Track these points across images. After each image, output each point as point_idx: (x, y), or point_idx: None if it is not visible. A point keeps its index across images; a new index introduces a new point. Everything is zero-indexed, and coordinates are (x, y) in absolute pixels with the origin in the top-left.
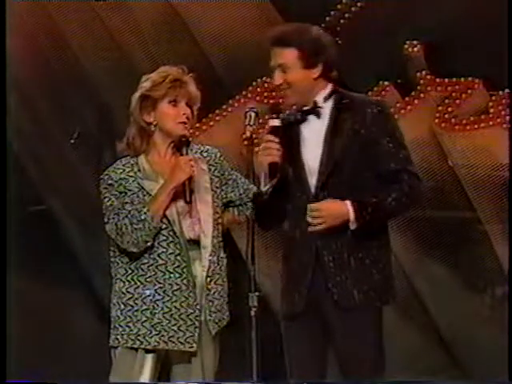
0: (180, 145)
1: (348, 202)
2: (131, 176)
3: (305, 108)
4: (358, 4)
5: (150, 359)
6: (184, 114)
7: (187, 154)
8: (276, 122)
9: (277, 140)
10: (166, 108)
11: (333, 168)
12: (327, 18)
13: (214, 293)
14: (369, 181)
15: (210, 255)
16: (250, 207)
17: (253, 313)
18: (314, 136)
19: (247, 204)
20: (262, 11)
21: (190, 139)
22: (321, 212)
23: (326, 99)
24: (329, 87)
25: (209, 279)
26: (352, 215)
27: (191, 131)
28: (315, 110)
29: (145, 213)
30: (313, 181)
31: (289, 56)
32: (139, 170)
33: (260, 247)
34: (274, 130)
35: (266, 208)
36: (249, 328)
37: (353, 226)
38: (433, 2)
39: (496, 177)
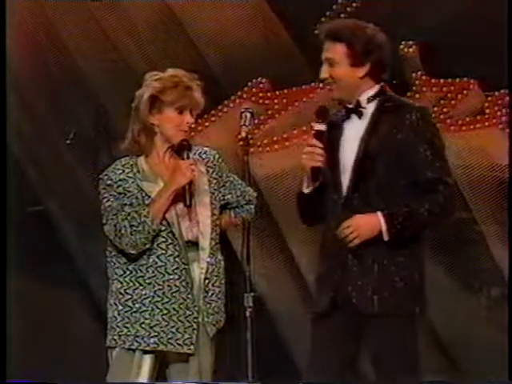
0: (181, 149)
1: (379, 214)
2: (130, 177)
3: (348, 106)
4: (354, 4)
5: (147, 360)
6: (188, 122)
7: (188, 158)
8: (321, 127)
9: (321, 145)
10: (172, 114)
11: (366, 169)
12: (322, 19)
13: (212, 295)
14: (403, 187)
15: (208, 257)
16: (246, 209)
17: (248, 313)
18: (352, 136)
19: (244, 206)
20: (258, 11)
21: (191, 143)
22: (353, 228)
23: (369, 100)
24: (375, 88)
25: (207, 281)
26: (384, 226)
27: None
28: (357, 110)
29: (145, 215)
30: (346, 181)
31: (337, 51)
32: (138, 172)
33: (255, 247)
34: (318, 135)
35: (309, 208)
36: (244, 328)
37: (386, 237)
38: (428, 2)
39: (492, 177)
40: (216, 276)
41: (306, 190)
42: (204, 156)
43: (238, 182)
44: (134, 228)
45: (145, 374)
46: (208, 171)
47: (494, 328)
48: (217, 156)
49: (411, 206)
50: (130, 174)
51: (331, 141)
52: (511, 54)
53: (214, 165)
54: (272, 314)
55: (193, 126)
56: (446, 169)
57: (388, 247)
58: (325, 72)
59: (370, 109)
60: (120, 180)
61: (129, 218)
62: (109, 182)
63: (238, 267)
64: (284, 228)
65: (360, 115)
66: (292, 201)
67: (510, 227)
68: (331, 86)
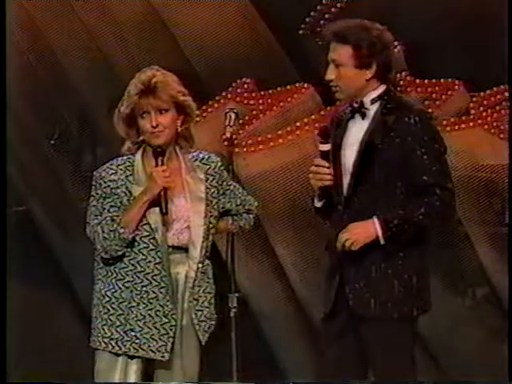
0: (154, 155)
1: (375, 219)
2: (122, 179)
3: (353, 106)
4: (338, 5)
5: (133, 362)
6: (153, 126)
7: (162, 164)
8: (326, 147)
9: (327, 165)
10: (139, 121)
11: (364, 172)
12: (307, 19)
13: (204, 302)
14: (400, 191)
15: (198, 265)
16: (245, 218)
17: (232, 313)
18: (354, 137)
19: (242, 215)
20: (243, 12)
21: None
22: (349, 235)
23: (373, 101)
24: (380, 89)
25: (197, 289)
26: (380, 232)
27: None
28: (361, 111)
29: (117, 223)
30: (346, 183)
31: (343, 53)
32: (131, 174)
33: (240, 248)
34: (324, 155)
35: (327, 214)
36: (228, 329)
37: (382, 242)
38: (413, 2)
39: (477, 178)
40: (206, 282)
41: (317, 205)
42: (205, 162)
43: (238, 191)
44: (105, 235)
45: (130, 375)
46: (207, 179)
47: (478, 328)
48: (219, 163)
49: (407, 210)
50: (122, 176)
51: (335, 140)
52: (511, 53)
53: (215, 172)
54: (256, 314)
55: (163, 126)
56: (444, 173)
57: (384, 250)
58: (331, 73)
59: (372, 110)
60: (110, 180)
61: (103, 223)
62: (99, 180)
63: (222, 267)
64: (268, 228)
65: (363, 116)
66: (276, 201)
67: (510, 227)
68: (334, 88)
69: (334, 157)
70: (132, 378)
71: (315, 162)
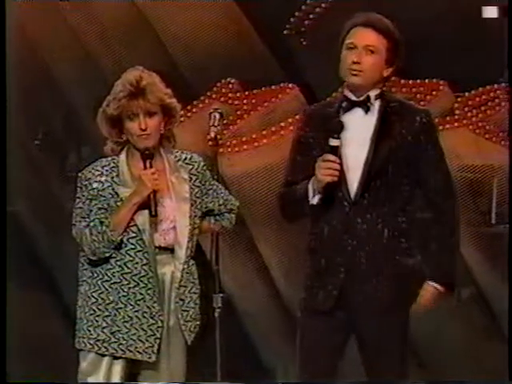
0: (143, 158)
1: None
2: (107, 181)
3: (352, 99)
4: (323, 5)
5: (118, 363)
6: (141, 128)
7: (151, 166)
8: (337, 142)
9: (338, 160)
10: (127, 123)
11: (377, 169)
12: (292, 19)
13: (189, 302)
14: (406, 188)
15: (184, 265)
16: (227, 218)
17: (217, 314)
18: (360, 133)
19: (224, 214)
20: (227, 12)
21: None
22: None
23: (377, 97)
24: (380, 88)
25: (183, 289)
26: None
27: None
28: (366, 105)
29: (106, 225)
30: (354, 180)
31: (380, 43)
32: (117, 175)
33: (224, 248)
34: (334, 150)
35: (301, 210)
36: (213, 329)
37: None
38: (398, 2)
39: (461, 178)
40: (192, 283)
41: (314, 201)
42: (188, 162)
43: (221, 191)
44: (94, 237)
45: (115, 376)
46: (191, 178)
47: (464, 328)
48: (201, 163)
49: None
50: (108, 178)
51: (328, 135)
52: (511, 52)
53: (198, 172)
54: (240, 313)
55: (151, 130)
56: (449, 171)
57: (400, 250)
58: (359, 56)
59: (376, 106)
60: (96, 182)
61: (91, 225)
62: (85, 181)
63: (206, 268)
64: (253, 228)
65: (367, 110)
66: (261, 201)
67: (510, 228)
68: (356, 72)
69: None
70: (116, 378)
71: (325, 157)
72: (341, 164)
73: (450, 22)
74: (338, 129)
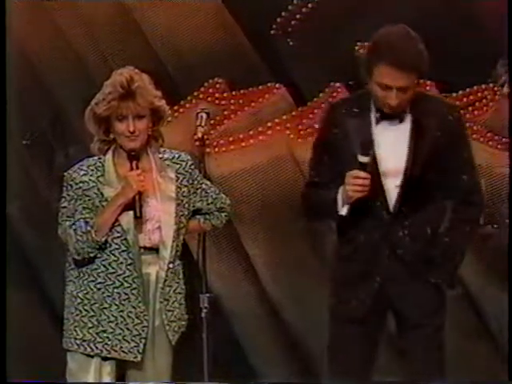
0: (129, 159)
1: None
2: (93, 180)
3: (382, 112)
4: (309, 5)
5: (107, 363)
6: (129, 130)
7: (137, 168)
8: (366, 159)
9: (368, 176)
10: (115, 124)
11: (416, 176)
12: (278, 19)
13: (174, 302)
14: (441, 190)
15: (169, 265)
16: (217, 217)
17: (203, 314)
18: (394, 141)
19: (214, 213)
20: (214, 12)
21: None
22: None
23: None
24: None
25: (168, 289)
26: None
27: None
28: (401, 116)
29: (91, 226)
30: (392, 188)
31: (411, 79)
32: (102, 175)
33: (211, 247)
34: (363, 166)
35: (329, 215)
36: (200, 329)
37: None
38: (384, 2)
39: None
40: (177, 283)
41: (343, 212)
42: (175, 161)
43: (210, 190)
44: (78, 237)
45: (104, 377)
46: (178, 178)
47: (451, 329)
48: (189, 162)
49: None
50: (93, 177)
51: (359, 146)
52: (511, 53)
53: (186, 171)
54: (227, 314)
55: (139, 132)
56: (477, 170)
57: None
58: (396, 99)
59: (408, 112)
60: (81, 182)
61: (76, 225)
62: (70, 181)
63: (193, 268)
64: (240, 228)
65: (401, 120)
66: (248, 201)
67: (510, 228)
68: (393, 107)
69: (368, 164)
70: (106, 379)
71: (355, 173)
72: (377, 174)
73: (436, 22)
74: (368, 145)
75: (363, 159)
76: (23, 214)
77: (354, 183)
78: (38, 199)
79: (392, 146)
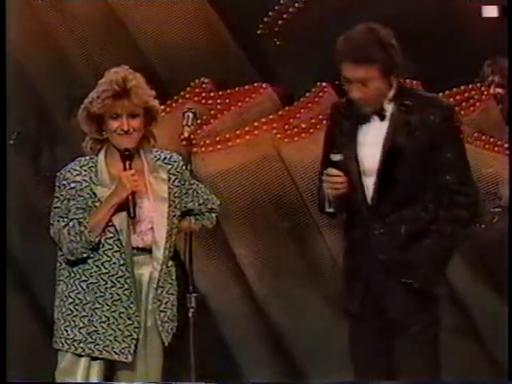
0: (123, 158)
1: None
2: (85, 180)
3: (370, 111)
4: (296, 5)
5: (95, 363)
6: (122, 129)
7: (130, 167)
8: (337, 157)
9: (340, 173)
10: (109, 123)
11: (390, 173)
12: (265, 19)
13: (167, 303)
14: (425, 190)
15: (162, 266)
16: (207, 217)
17: (190, 313)
18: (374, 139)
19: (205, 214)
20: (200, 11)
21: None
22: None
23: (390, 101)
24: (394, 88)
25: (160, 290)
26: None
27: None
28: (380, 114)
29: (84, 226)
30: (370, 185)
31: (370, 72)
32: (95, 175)
33: (198, 248)
34: (336, 164)
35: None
36: (187, 328)
37: None
38: (371, 2)
39: None
40: (170, 283)
41: (330, 210)
42: (167, 162)
43: (201, 190)
44: (72, 237)
45: (92, 377)
46: (170, 178)
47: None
48: (181, 163)
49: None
50: (86, 177)
51: (345, 144)
52: (511, 52)
53: (178, 172)
54: (214, 313)
55: (133, 130)
56: (468, 170)
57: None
58: (357, 92)
59: (389, 109)
60: (74, 182)
61: (69, 225)
62: (63, 181)
63: (180, 267)
64: (227, 228)
65: (382, 118)
66: (235, 201)
67: (510, 229)
68: (361, 102)
69: (350, 162)
70: (94, 378)
71: (328, 171)
72: (358, 172)
73: (423, 21)
74: (345, 144)
75: (334, 157)
76: (8, 214)
77: (328, 180)
78: (24, 198)
79: (370, 144)
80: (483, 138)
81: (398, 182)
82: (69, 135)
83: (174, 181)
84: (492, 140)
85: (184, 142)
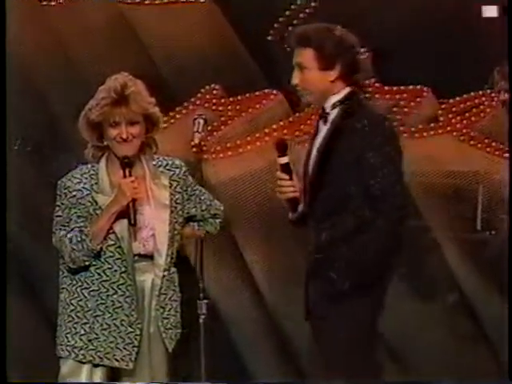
0: (122, 166)
1: None
2: (86, 188)
3: (310, 101)
4: (307, 10)
5: (97, 370)
6: (121, 137)
7: (130, 175)
8: (284, 160)
9: (287, 177)
10: (108, 130)
11: (319, 180)
12: (275, 25)
13: (170, 309)
14: (355, 197)
15: (164, 272)
16: (211, 223)
17: (201, 320)
18: (317, 145)
19: (208, 220)
20: (211, 17)
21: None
22: None
23: (334, 106)
24: (343, 92)
25: (163, 296)
26: None
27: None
28: (322, 116)
29: (85, 234)
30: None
31: (306, 55)
32: (96, 183)
33: (208, 254)
34: (284, 168)
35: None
36: (197, 335)
37: None
38: (380, 8)
39: (445, 184)
40: (172, 290)
41: (290, 217)
42: (169, 168)
43: (204, 196)
44: (74, 246)
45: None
46: (171, 185)
47: (449, 335)
48: (183, 169)
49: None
50: (87, 185)
51: (309, 148)
52: (511, 55)
53: (180, 178)
54: (224, 319)
55: (132, 138)
56: (393, 176)
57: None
58: (295, 78)
59: (333, 115)
60: (75, 190)
61: (71, 233)
62: (64, 190)
63: (191, 274)
64: (237, 234)
65: (325, 121)
66: (245, 207)
67: (510, 229)
68: (300, 92)
69: (304, 167)
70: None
71: (277, 175)
72: (306, 177)
73: (434, 28)
74: (282, 147)
75: (280, 160)
76: (13, 219)
77: (278, 184)
78: (29, 204)
79: (314, 148)
80: (493, 144)
81: (327, 189)
82: (76, 141)
83: (175, 187)
84: (502, 146)
85: (194, 149)
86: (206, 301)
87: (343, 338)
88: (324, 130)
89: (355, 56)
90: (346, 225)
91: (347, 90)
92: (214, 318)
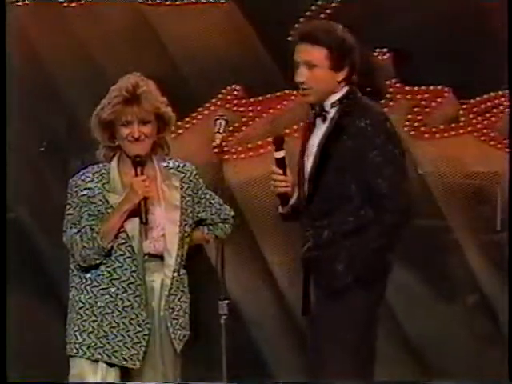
0: (134, 165)
1: None
2: (98, 187)
3: (314, 110)
4: (327, 11)
5: (111, 370)
6: (134, 136)
7: (142, 174)
8: (279, 154)
9: (281, 172)
10: (120, 129)
11: (320, 178)
12: (296, 25)
13: (179, 310)
14: (355, 195)
15: (174, 273)
16: (221, 228)
17: (222, 321)
18: (314, 143)
19: (218, 224)
20: (231, 18)
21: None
22: None
23: (334, 104)
24: (342, 91)
25: (172, 297)
26: None
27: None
28: (321, 114)
29: (96, 232)
30: (306, 188)
31: (317, 54)
32: (107, 182)
33: (229, 254)
34: (279, 162)
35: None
36: (219, 335)
37: None
38: (402, 9)
39: (467, 185)
40: (182, 291)
41: (280, 211)
42: (180, 170)
43: (214, 200)
44: (85, 244)
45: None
46: (182, 187)
47: (469, 336)
48: (194, 172)
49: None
50: (99, 184)
51: (301, 146)
52: (511, 55)
53: (190, 180)
54: (245, 318)
55: (144, 137)
56: (398, 175)
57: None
58: (302, 75)
59: (331, 113)
60: (86, 188)
61: (82, 232)
62: (75, 188)
63: (212, 274)
64: (258, 234)
65: (324, 120)
66: (266, 207)
67: (510, 229)
68: (306, 90)
69: (297, 165)
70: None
71: (271, 169)
72: (302, 174)
73: (455, 28)
74: (279, 141)
75: (276, 154)
76: (36, 221)
77: (271, 178)
78: (52, 205)
79: (312, 148)
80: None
81: (327, 187)
82: (98, 142)
83: (186, 189)
84: None
85: (216, 149)
86: (226, 301)
87: (344, 334)
88: (323, 128)
89: (357, 57)
90: (347, 223)
91: (345, 89)
92: (235, 319)
